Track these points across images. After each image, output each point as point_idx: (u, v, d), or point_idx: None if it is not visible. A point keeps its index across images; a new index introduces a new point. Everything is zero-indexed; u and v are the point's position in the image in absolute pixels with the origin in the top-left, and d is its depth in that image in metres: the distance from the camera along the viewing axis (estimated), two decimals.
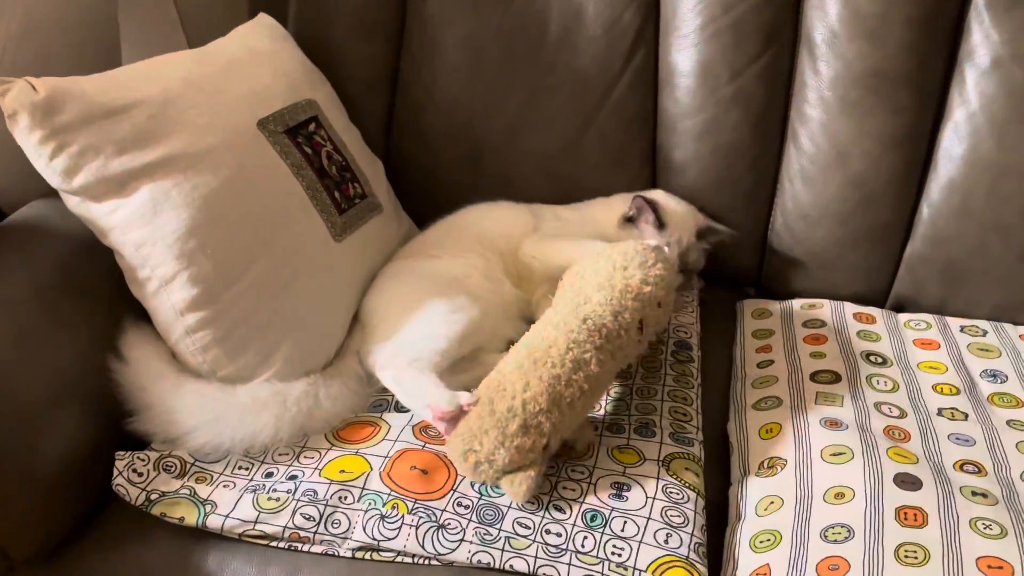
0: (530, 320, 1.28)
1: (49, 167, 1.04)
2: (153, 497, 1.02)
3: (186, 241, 1.08)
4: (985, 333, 1.36)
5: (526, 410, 1.00)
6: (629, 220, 1.42)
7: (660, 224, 1.40)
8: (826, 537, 0.95)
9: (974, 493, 0.99)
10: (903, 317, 1.41)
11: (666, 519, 0.99)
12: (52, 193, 1.10)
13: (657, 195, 1.45)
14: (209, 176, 1.11)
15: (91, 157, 1.05)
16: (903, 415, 1.16)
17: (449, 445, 1.05)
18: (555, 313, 1.12)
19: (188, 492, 1.03)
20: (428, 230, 1.46)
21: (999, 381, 1.24)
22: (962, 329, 1.37)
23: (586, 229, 1.42)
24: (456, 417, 1.06)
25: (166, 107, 1.11)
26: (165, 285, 1.09)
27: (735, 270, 1.56)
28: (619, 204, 1.45)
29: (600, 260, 1.17)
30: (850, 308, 1.42)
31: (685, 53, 1.45)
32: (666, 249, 1.29)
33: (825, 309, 1.41)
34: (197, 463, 1.07)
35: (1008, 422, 1.16)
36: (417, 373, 1.15)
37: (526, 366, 1.04)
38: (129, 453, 1.05)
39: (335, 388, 1.16)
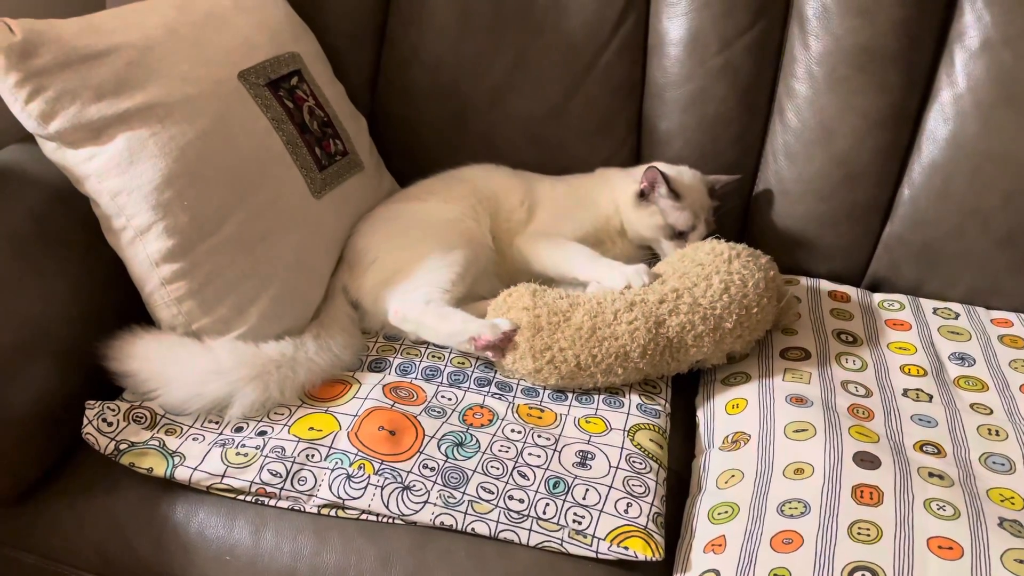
0: (504, 279, 1.29)
1: (25, 111, 1.03)
2: (122, 447, 1.03)
3: (162, 191, 1.07)
4: (957, 316, 1.37)
5: None
6: (642, 195, 1.37)
7: (676, 195, 1.35)
8: (782, 511, 0.97)
9: (931, 474, 1.01)
10: (877, 297, 1.42)
11: (628, 488, 1.01)
12: (29, 138, 1.09)
13: (658, 165, 1.37)
14: (187, 126, 1.10)
15: (67, 102, 1.04)
16: (868, 394, 1.18)
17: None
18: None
19: (157, 443, 1.04)
20: (425, 179, 1.45)
21: (967, 364, 1.26)
22: (935, 311, 1.38)
23: (584, 212, 1.39)
24: (502, 343, 1.12)
25: (145, 54, 1.09)
26: (140, 235, 1.08)
27: None
28: (618, 181, 1.41)
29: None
30: (826, 286, 1.42)
31: (676, 21, 1.44)
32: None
33: (801, 286, 1.42)
34: (167, 415, 1.08)
35: (972, 405, 1.18)
36: (438, 310, 1.18)
37: None
38: (99, 403, 1.05)
39: (317, 352, 1.15)
